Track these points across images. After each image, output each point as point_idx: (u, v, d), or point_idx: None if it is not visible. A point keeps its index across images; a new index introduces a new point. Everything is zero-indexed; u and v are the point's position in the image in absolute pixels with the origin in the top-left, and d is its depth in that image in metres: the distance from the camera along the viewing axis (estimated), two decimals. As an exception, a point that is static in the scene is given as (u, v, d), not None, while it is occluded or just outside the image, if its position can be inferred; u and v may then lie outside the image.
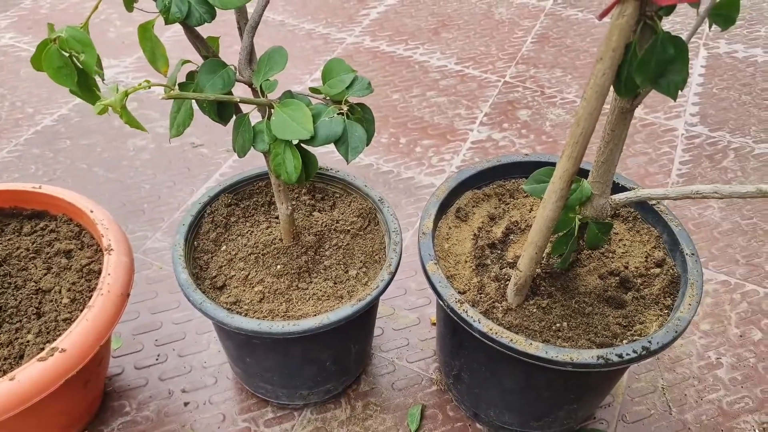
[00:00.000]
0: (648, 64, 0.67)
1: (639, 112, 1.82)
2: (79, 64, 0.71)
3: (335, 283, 0.98)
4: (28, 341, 0.85)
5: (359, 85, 0.83)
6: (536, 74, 1.98)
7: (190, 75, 0.82)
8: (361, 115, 0.84)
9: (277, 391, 1.07)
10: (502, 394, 1.02)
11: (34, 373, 0.77)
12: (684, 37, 0.68)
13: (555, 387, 0.95)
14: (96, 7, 0.73)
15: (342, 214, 1.07)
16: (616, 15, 0.65)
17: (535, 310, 0.93)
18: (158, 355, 1.19)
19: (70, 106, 1.76)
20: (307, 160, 0.84)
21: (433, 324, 1.27)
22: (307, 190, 1.11)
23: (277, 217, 1.06)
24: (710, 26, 0.70)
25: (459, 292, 0.94)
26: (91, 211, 0.99)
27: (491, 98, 1.87)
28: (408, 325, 1.27)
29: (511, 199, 1.11)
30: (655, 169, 1.65)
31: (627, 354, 0.84)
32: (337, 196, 1.11)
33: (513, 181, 1.13)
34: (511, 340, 0.85)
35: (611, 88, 0.71)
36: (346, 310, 0.90)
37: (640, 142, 1.73)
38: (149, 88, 0.74)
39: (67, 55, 0.70)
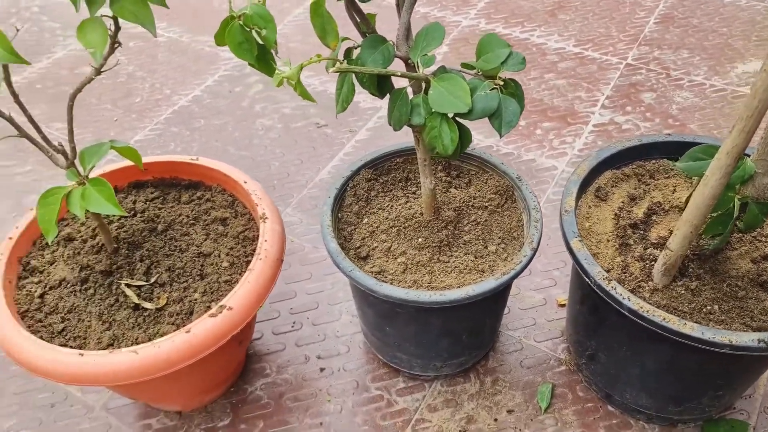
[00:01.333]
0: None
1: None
2: (259, 39, 0.75)
3: (476, 258, 0.99)
4: (195, 299, 0.92)
5: (514, 60, 0.84)
6: (661, 56, 1.90)
7: (347, 53, 0.86)
8: (514, 89, 0.85)
9: (412, 361, 1.10)
10: (642, 376, 1.00)
11: (206, 327, 0.84)
12: None
13: (704, 371, 0.93)
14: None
15: (479, 191, 1.08)
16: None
17: (683, 292, 0.91)
18: (293, 323, 1.25)
19: (202, 88, 1.86)
20: (463, 133, 0.85)
21: (561, 305, 1.27)
22: (443, 167, 1.13)
23: (414, 192, 1.09)
24: None
25: (604, 270, 0.93)
26: (245, 182, 1.05)
27: (613, 81, 1.82)
28: (534, 305, 1.27)
29: (652, 180, 1.08)
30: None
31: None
32: (473, 173, 1.12)
33: (653, 161, 1.10)
34: (664, 318, 0.83)
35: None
36: (490, 283, 0.91)
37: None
38: (319, 62, 0.78)
39: (248, 30, 0.75)
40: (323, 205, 1.03)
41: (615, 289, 0.87)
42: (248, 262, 0.96)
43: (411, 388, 1.14)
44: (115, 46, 0.80)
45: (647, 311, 0.84)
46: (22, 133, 0.84)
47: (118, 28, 0.79)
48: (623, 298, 0.86)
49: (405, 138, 1.51)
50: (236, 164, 1.59)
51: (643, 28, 2.03)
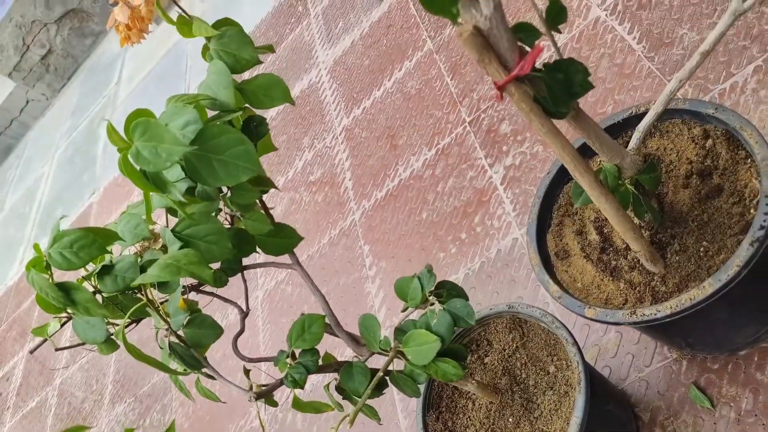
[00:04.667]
0: (557, 94, 0.82)
1: (564, 36, 1.95)
2: None
3: (551, 388, 1.09)
4: None
5: (425, 278, 0.99)
6: (483, 95, 2.14)
7: (338, 388, 1.00)
8: (446, 291, 1.00)
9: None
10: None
11: None
12: (552, 57, 0.83)
13: None
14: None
15: (499, 342, 1.20)
16: (510, 97, 0.80)
17: (677, 257, 1.03)
18: None
19: None
20: (455, 352, 0.98)
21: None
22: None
23: (468, 392, 1.20)
24: (558, 32, 0.85)
25: (623, 305, 1.04)
26: None
27: (475, 143, 2.03)
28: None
29: (574, 208, 1.23)
30: (621, 57, 1.75)
31: (765, 221, 0.92)
32: (483, 333, 1.25)
33: (561, 197, 1.25)
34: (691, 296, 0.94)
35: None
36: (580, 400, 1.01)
37: (589, 52, 1.84)
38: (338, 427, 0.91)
39: None
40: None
41: (643, 313, 0.98)
42: None
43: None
44: None
45: (680, 302, 0.95)
46: None
47: None
48: (657, 313, 0.97)
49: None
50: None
51: (449, 89, 2.28)
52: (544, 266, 1.17)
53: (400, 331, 0.98)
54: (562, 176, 1.23)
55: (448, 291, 0.99)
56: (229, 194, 0.95)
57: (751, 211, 0.98)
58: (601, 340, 1.39)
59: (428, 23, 2.51)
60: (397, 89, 2.47)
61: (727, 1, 1.57)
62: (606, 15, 1.87)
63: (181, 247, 0.87)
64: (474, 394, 1.18)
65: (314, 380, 1.83)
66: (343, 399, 0.99)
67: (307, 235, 2.40)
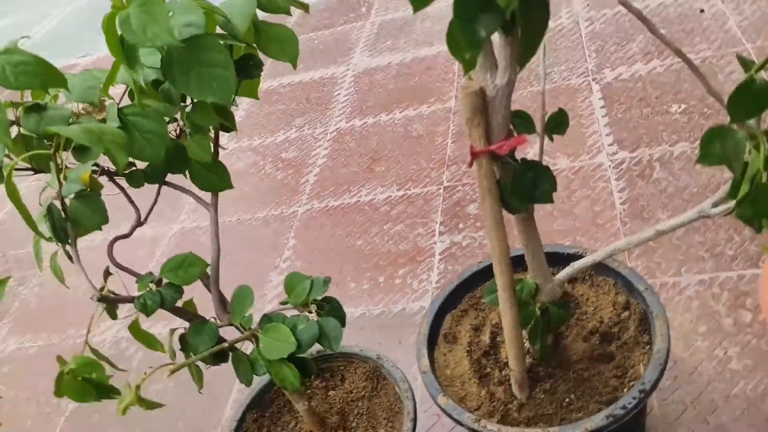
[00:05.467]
0: (519, 188, 0.83)
1: (566, 162, 2.01)
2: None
3: (371, 448, 1.08)
4: None
5: (317, 285, 0.98)
6: (468, 169, 2.17)
7: (182, 340, 0.97)
8: (329, 306, 0.99)
9: None
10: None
11: None
12: (533, 156, 0.85)
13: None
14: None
15: (352, 383, 1.19)
16: (478, 167, 0.82)
17: (543, 396, 1.04)
18: None
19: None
20: (303, 365, 0.97)
21: None
22: (316, 375, 1.24)
23: (297, 413, 1.18)
24: (551, 139, 0.87)
25: (474, 410, 1.05)
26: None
27: (439, 207, 2.05)
28: (453, 446, 1.36)
29: (485, 305, 1.24)
30: (601, 207, 1.80)
31: (629, 403, 0.95)
32: (343, 368, 1.23)
33: (479, 289, 1.27)
34: (531, 435, 0.95)
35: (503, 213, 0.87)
36: (387, 470, 1.00)
37: (578, 188, 1.90)
38: (151, 374, 0.89)
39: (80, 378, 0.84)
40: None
41: (486, 427, 0.99)
42: None
43: None
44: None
45: (516, 434, 0.96)
46: None
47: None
48: (495, 430, 0.98)
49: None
50: (149, 426, 1.62)
51: (446, 150, 2.31)
52: (428, 340, 1.17)
53: (266, 318, 0.97)
54: (490, 271, 1.25)
55: (330, 308, 0.99)
56: (189, 108, 0.93)
57: (624, 390, 1.00)
58: (443, 436, 1.39)
59: (461, 84, 2.55)
60: (403, 124, 2.50)
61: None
62: (609, 166, 1.93)
63: (118, 128, 0.84)
64: (301, 417, 1.16)
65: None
66: (180, 350, 0.96)
67: (248, 202, 2.37)
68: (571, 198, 1.87)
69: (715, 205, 0.85)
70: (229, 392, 1.68)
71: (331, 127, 2.64)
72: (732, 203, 0.82)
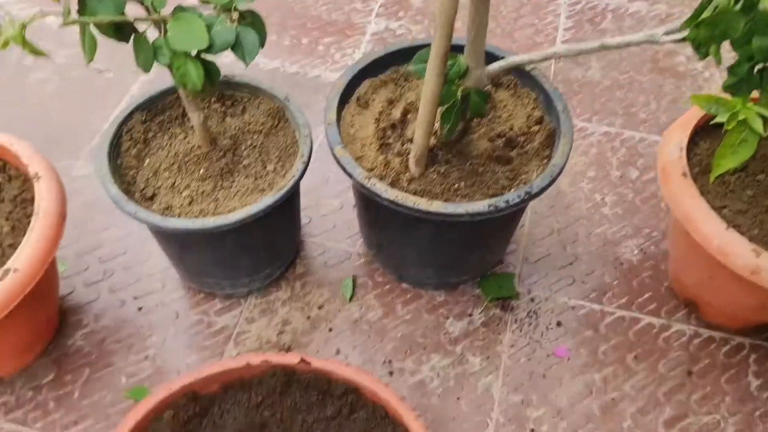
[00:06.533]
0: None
1: (525, -15, 1.92)
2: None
3: (256, 179, 1.08)
4: (-21, 270, 0.92)
5: (244, -8, 0.90)
6: (426, -42, 2.02)
7: (82, 1, 0.87)
8: (251, 20, 0.91)
9: (221, 282, 1.19)
10: (419, 254, 1.17)
11: (-6, 293, 0.86)
12: None
13: (463, 238, 1.11)
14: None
15: (252, 116, 1.15)
16: None
17: (435, 176, 1.06)
18: (104, 271, 1.28)
19: (-41, 47, 1.71)
20: (209, 68, 0.91)
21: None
22: (217, 98, 1.18)
23: (192, 127, 1.13)
24: None
25: (367, 170, 1.05)
26: (11, 145, 1.04)
27: (385, -12, 1.92)
28: (332, 210, 1.40)
29: (406, 83, 1.21)
30: (542, 39, 1.77)
31: (513, 200, 0.99)
32: (246, 100, 1.18)
33: (406, 66, 1.23)
34: (415, 202, 0.98)
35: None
36: (268, 199, 1.01)
37: (526, 14, 1.84)
38: (43, 18, 0.79)
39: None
40: (97, 154, 1.05)
41: (375, 185, 1.00)
42: (29, 223, 0.98)
43: (228, 307, 1.24)
44: None
45: (401, 198, 0.99)
46: None
47: None
48: (382, 191, 1.00)
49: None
50: (15, 124, 1.52)
51: (409, -68, 2.12)
52: (341, 97, 1.14)
53: (180, 8, 0.88)
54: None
55: (253, 20, 0.91)
56: None
57: (512, 190, 1.04)
58: (330, 197, 1.41)
59: None
60: None
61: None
62: (564, 2, 1.87)
63: None
64: (192, 132, 1.11)
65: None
66: (77, 12, 0.86)
67: None
68: (517, 22, 1.81)
69: (668, 33, 0.84)
70: (118, 102, 1.59)
71: None
72: (685, 32, 0.82)
